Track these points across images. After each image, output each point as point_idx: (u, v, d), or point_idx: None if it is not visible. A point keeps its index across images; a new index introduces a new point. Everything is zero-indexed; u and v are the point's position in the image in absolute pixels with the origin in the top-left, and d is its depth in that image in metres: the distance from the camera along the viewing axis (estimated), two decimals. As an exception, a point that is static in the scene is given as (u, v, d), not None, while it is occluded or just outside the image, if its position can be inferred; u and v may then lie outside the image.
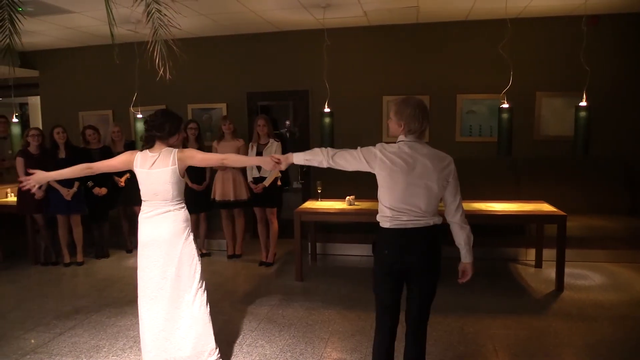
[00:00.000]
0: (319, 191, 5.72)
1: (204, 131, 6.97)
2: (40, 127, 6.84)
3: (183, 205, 3.41)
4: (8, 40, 3.58)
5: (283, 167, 3.20)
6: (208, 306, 3.48)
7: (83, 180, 6.08)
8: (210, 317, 3.46)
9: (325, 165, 2.95)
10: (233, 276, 5.71)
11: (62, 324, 4.34)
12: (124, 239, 6.73)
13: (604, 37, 6.07)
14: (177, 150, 3.29)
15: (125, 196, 6.48)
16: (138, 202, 6.67)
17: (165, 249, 3.37)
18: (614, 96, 6.16)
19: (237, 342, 3.93)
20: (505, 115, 4.93)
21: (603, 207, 6.09)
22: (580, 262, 5.75)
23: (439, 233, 2.84)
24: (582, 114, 4.59)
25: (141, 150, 3.37)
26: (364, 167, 2.79)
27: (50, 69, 7.81)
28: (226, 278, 5.61)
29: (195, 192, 6.20)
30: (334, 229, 6.17)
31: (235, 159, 3.49)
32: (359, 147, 2.82)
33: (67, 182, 5.94)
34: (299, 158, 3.07)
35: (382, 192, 2.76)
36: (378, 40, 6.71)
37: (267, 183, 5.71)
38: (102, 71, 7.44)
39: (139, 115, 5.38)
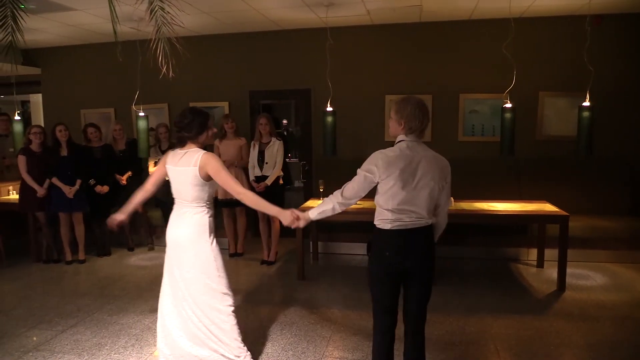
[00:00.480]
0: (321, 190, 5.71)
1: (206, 129, 6.95)
2: (42, 125, 6.85)
3: (204, 209, 3.31)
4: (10, 37, 3.57)
5: (302, 224, 3.13)
6: (228, 315, 3.30)
7: (85, 178, 6.10)
8: (230, 324, 3.30)
9: (338, 207, 2.91)
10: (234, 275, 5.70)
11: (64, 322, 4.34)
12: (126, 237, 6.73)
13: (608, 37, 6.05)
14: (204, 153, 3.21)
15: (127, 194, 6.47)
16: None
17: (179, 251, 3.28)
18: (617, 96, 6.14)
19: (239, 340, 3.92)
20: (508, 115, 4.92)
21: (605, 208, 6.08)
22: (582, 262, 5.75)
23: (433, 233, 2.86)
24: (585, 114, 4.57)
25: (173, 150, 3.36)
26: (370, 184, 2.79)
27: (53, 66, 7.81)
28: (228, 277, 5.58)
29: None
30: (335, 228, 6.16)
31: (252, 200, 3.22)
32: (358, 170, 2.83)
33: (69, 180, 5.95)
34: (314, 214, 3.02)
35: (384, 197, 2.75)
36: (381, 39, 6.70)
37: (269, 182, 5.70)
38: (104, 69, 7.44)
39: (141, 114, 5.38)
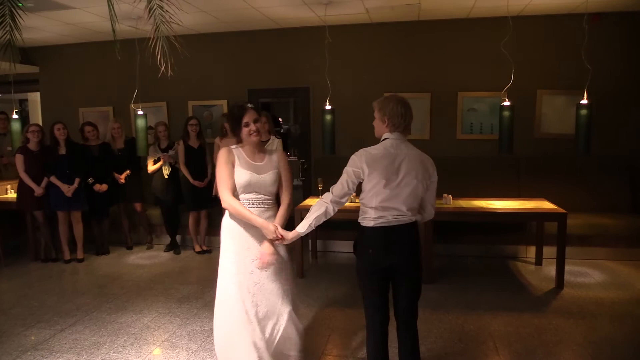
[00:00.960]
0: (320, 188, 5.71)
1: (204, 128, 6.96)
2: (40, 124, 6.84)
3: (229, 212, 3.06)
4: (9, 36, 3.56)
5: (286, 242, 3.02)
6: (228, 325, 3.16)
7: (83, 176, 6.09)
8: (232, 335, 3.11)
9: (332, 209, 2.83)
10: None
11: (63, 321, 4.34)
12: (125, 235, 6.73)
13: (606, 35, 6.06)
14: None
15: (125, 193, 6.48)
16: (138, 198, 6.73)
17: None
18: (615, 94, 6.15)
19: (238, 339, 3.93)
20: (506, 113, 4.92)
21: (604, 205, 6.09)
22: (581, 260, 5.76)
23: (418, 229, 2.87)
24: (584, 112, 4.58)
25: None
26: (357, 180, 2.80)
27: (51, 65, 7.79)
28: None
29: (197, 188, 6.21)
30: (334, 226, 6.15)
31: (234, 209, 2.96)
32: (344, 169, 2.83)
33: (67, 179, 5.94)
34: (304, 227, 2.90)
35: (367, 195, 2.78)
36: (379, 37, 6.70)
37: (267, 180, 5.69)
38: (103, 68, 7.42)
39: (140, 112, 5.37)
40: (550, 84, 6.35)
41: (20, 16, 3.64)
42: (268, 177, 3.01)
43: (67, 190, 5.90)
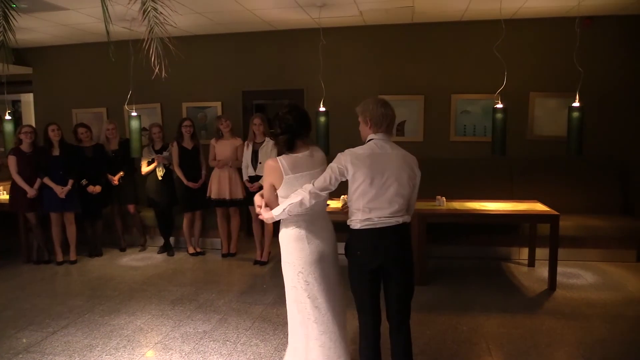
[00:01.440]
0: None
1: (199, 129, 6.94)
2: (33, 125, 6.81)
3: (293, 220, 2.96)
4: (2, 37, 3.56)
5: (262, 217, 2.97)
6: (301, 336, 3.06)
7: (77, 178, 6.07)
8: (303, 345, 3.05)
9: (308, 199, 2.78)
10: (227, 275, 5.70)
11: (55, 323, 4.32)
12: (118, 237, 6.71)
13: (598, 38, 6.11)
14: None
15: (119, 194, 6.46)
16: (131, 200, 6.71)
17: None
18: (607, 97, 6.20)
19: (232, 340, 3.93)
20: (499, 115, 4.94)
21: (596, 207, 6.13)
22: (573, 261, 5.79)
23: (409, 231, 2.88)
24: (575, 114, 4.61)
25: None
26: (341, 176, 2.79)
27: (44, 66, 7.77)
28: (220, 277, 5.61)
29: (191, 190, 6.21)
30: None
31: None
32: (330, 164, 2.84)
33: (61, 180, 5.92)
34: (277, 210, 2.88)
35: (353, 196, 2.79)
36: (373, 39, 6.72)
37: (262, 182, 5.70)
38: (96, 69, 7.40)
39: (134, 113, 5.35)
40: (542, 86, 6.39)
41: (13, 17, 3.63)
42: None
43: (61, 191, 5.88)
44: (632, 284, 5.10)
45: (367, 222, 2.76)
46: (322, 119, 5.57)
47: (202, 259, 6.32)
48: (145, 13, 3.71)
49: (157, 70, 3.76)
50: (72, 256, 6.18)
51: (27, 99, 8.55)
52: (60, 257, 6.13)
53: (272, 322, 4.26)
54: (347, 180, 2.82)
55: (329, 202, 2.90)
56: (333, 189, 2.85)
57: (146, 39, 3.76)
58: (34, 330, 4.19)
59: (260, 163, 5.74)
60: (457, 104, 6.62)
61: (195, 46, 6.98)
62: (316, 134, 5.70)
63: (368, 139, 2.88)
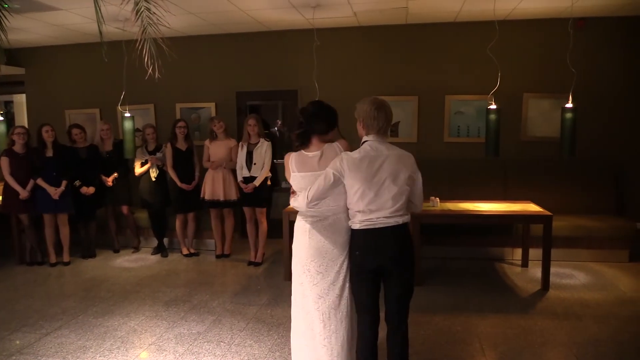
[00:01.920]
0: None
1: (192, 130, 6.93)
2: (26, 126, 6.77)
3: (302, 213, 3.05)
4: (-6, 37, 3.54)
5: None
6: (293, 338, 3.13)
7: (70, 179, 6.04)
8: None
9: (305, 210, 2.94)
10: (221, 276, 5.69)
11: (48, 325, 4.30)
12: (112, 238, 6.68)
13: (591, 39, 6.14)
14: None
15: (112, 196, 6.43)
16: (125, 201, 6.67)
17: None
18: (600, 98, 6.23)
19: (226, 341, 3.92)
20: (492, 116, 4.96)
21: (588, 207, 6.16)
22: (566, 262, 5.82)
23: (409, 231, 2.88)
24: (568, 115, 4.63)
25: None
26: (337, 183, 2.81)
27: (37, 66, 7.73)
28: (214, 278, 5.60)
29: (185, 191, 6.19)
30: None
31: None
32: (326, 169, 2.86)
33: (54, 181, 5.89)
34: (292, 203, 3.05)
35: (352, 198, 2.80)
36: (367, 40, 6.72)
37: (257, 183, 5.70)
38: (89, 69, 7.38)
39: (127, 114, 5.34)
40: (536, 87, 6.42)
41: (5, 17, 3.61)
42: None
43: (54, 192, 5.85)
44: (625, 284, 5.13)
45: (366, 222, 2.77)
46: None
47: (196, 260, 6.31)
48: (138, 13, 3.70)
49: (150, 70, 3.76)
50: (66, 257, 6.15)
51: (20, 100, 8.51)
52: (53, 259, 6.11)
53: (266, 323, 4.26)
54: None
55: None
56: (331, 194, 2.86)
57: (139, 39, 3.75)
58: (27, 331, 4.16)
59: (254, 164, 5.73)
60: (451, 105, 6.63)
61: (188, 47, 6.97)
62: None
63: (362, 140, 2.89)
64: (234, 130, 6.89)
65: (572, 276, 5.40)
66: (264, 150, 5.73)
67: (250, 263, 5.99)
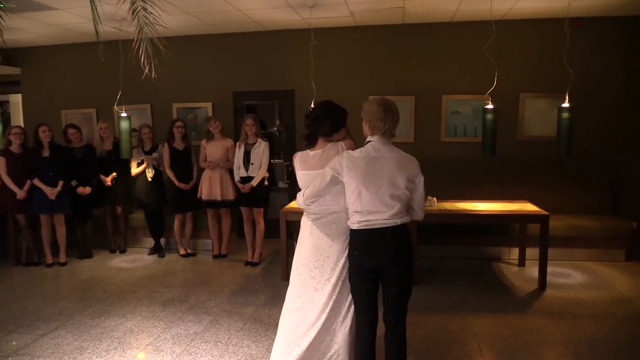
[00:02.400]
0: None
1: (189, 130, 6.91)
2: (22, 126, 6.74)
3: (306, 210, 3.09)
4: (-10, 37, 3.53)
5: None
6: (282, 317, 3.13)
7: (67, 179, 6.02)
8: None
9: (303, 206, 3.03)
10: (219, 276, 5.69)
11: (45, 325, 4.28)
12: (109, 238, 6.66)
13: (587, 39, 6.15)
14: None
15: (111, 196, 6.41)
16: (120, 202, 6.64)
17: None
18: (596, 98, 6.25)
19: (223, 342, 3.92)
20: (489, 116, 4.97)
21: (585, 207, 6.17)
22: (563, 261, 5.83)
23: (408, 231, 2.88)
24: (565, 115, 4.64)
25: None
26: (334, 181, 2.83)
27: (33, 66, 7.70)
28: (212, 278, 5.59)
29: (183, 191, 6.18)
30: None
31: None
32: (325, 168, 2.90)
33: (51, 181, 5.88)
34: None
35: (351, 198, 2.81)
36: (364, 40, 6.72)
37: (254, 183, 5.69)
38: (86, 69, 7.35)
39: (123, 114, 5.32)
40: (532, 87, 6.43)
41: (1, 17, 3.60)
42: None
43: (51, 192, 5.83)
44: (621, 284, 5.14)
45: (364, 223, 2.77)
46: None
47: (193, 260, 6.30)
48: (135, 13, 3.70)
49: (147, 70, 3.75)
50: (62, 258, 6.13)
51: (16, 100, 8.49)
52: (49, 259, 6.09)
53: (263, 323, 4.25)
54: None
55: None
56: (327, 193, 2.88)
57: (136, 39, 3.74)
58: (23, 332, 4.15)
59: (252, 164, 5.72)
60: (448, 105, 6.64)
61: (185, 46, 6.95)
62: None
63: (366, 140, 2.88)
64: (231, 130, 6.89)
65: (569, 275, 5.41)
66: (261, 150, 5.72)
67: (247, 263, 5.99)
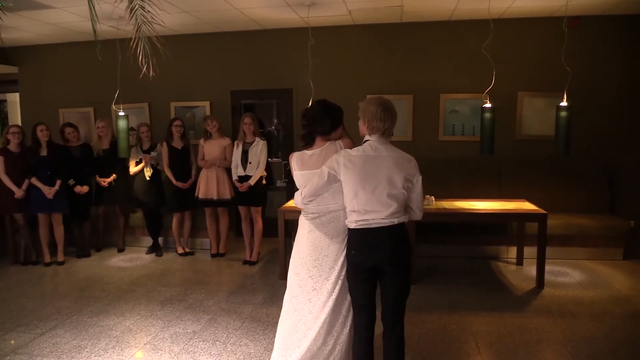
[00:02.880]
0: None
1: (187, 129, 6.90)
2: (20, 125, 6.73)
3: (304, 209, 3.08)
4: (-13, 35, 3.52)
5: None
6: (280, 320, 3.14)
7: (64, 178, 6.01)
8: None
9: (301, 205, 3.01)
10: (217, 275, 5.69)
11: (43, 324, 4.28)
12: (97, 237, 6.67)
13: (585, 38, 6.15)
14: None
15: (109, 195, 6.40)
16: (120, 201, 6.62)
17: None
18: (594, 96, 6.25)
19: (222, 340, 3.92)
20: (487, 115, 4.97)
21: (583, 206, 6.19)
22: (561, 260, 5.84)
23: (406, 231, 2.86)
24: (563, 114, 4.65)
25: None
26: (332, 180, 2.83)
27: (30, 65, 7.68)
28: (210, 277, 5.58)
29: (181, 190, 6.18)
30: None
31: None
32: (322, 167, 2.89)
33: (48, 181, 5.87)
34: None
35: (348, 197, 2.80)
36: (362, 39, 6.72)
37: (252, 182, 5.69)
38: (83, 68, 7.34)
39: (121, 113, 5.32)
40: (530, 86, 6.43)
41: (-1, 16, 3.59)
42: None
43: (49, 192, 5.82)
44: (619, 282, 5.15)
45: (362, 222, 2.76)
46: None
47: (191, 259, 6.30)
48: (133, 12, 3.69)
49: (144, 69, 3.74)
50: (60, 257, 6.12)
51: (13, 99, 8.47)
52: (47, 258, 6.08)
53: (261, 322, 4.25)
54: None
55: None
56: (325, 192, 2.88)
57: (134, 37, 3.73)
58: (21, 331, 4.14)
59: (250, 163, 5.72)
60: (446, 104, 6.64)
61: (183, 45, 6.94)
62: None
63: (364, 140, 2.87)
64: (229, 129, 6.88)
65: (567, 274, 5.42)
66: (259, 149, 5.72)
67: (245, 262, 5.99)
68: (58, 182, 5.90)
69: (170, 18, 5.84)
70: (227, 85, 7.11)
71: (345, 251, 2.91)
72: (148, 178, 6.23)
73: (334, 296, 2.91)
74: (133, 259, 6.30)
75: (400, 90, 6.61)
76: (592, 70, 6.23)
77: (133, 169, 6.28)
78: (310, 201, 2.94)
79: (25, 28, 6.41)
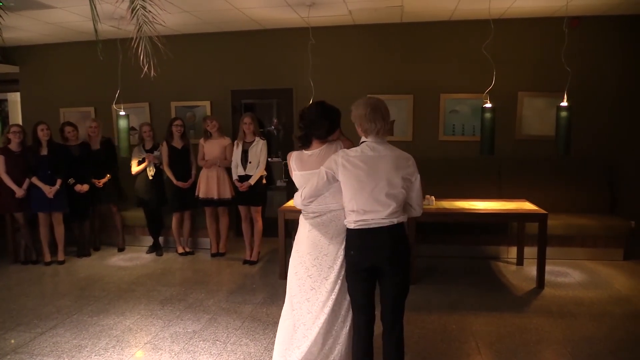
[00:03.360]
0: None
1: (187, 129, 6.91)
2: (21, 124, 6.74)
3: (304, 208, 3.07)
4: (-12, 35, 3.53)
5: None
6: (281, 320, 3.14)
7: (64, 177, 6.02)
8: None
9: (301, 207, 3.01)
10: (217, 274, 5.69)
11: (43, 324, 4.28)
12: (94, 237, 6.68)
13: (585, 38, 6.15)
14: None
15: (104, 195, 6.40)
16: (114, 200, 6.61)
17: None
18: (595, 97, 6.26)
19: (222, 340, 3.92)
20: (487, 115, 4.98)
21: (583, 206, 6.19)
22: (561, 260, 5.84)
23: (405, 230, 2.86)
24: (563, 114, 4.65)
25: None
26: (331, 180, 2.82)
27: (31, 64, 7.69)
28: (210, 276, 5.59)
29: (181, 189, 6.18)
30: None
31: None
32: (320, 167, 2.89)
33: (49, 180, 5.87)
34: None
35: (346, 197, 2.80)
36: (362, 39, 6.73)
37: (252, 181, 5.69)
38: (84, 68, 7.35)
39: (122, 113, 5.32)
40: (531, 86, 6.43)
41: (0, 15, 3.60)
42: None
43: (49, 191, 5.83)
44: (619, 282, 5.15)
45: (361, 222, 2.76)
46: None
47: (191, 258, 6.30)
48: (134, 11, 3.70)
49: (145, 69, 3.75)
50: (60, 256, 6.13)
51: (14, 98, 8.48)
52: (48, 258, 6.08)
53: (262, 322, 4.26)
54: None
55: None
56: (325, 192, 2.88)
57: (135, 37, 3.74)
58: (22, 331, 4.15)
59: (250, 162, 5.72)
60: (446, 104, 6.64)
61: (184, 45, 6.95)
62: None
63: (361, 140, 2.87)
64: (229, 128, 6.88)
65: (567, 274, 5.42)
66: (259, 149, 5.72)
67: (245, 262, 5.99)
68: (58, 182, 5.90)
69: (171, 18, 5.84)
70: (227, 84, 7.12)
71: (343, 251, 2.91)
72: (151, 177, 6.23)
73: (333, 296, 2.91)
74: (133, 259, 6.31)
75: (400, 90, 6.61)
76: (592, 71, 6.24)
77: (135, 168, 6.27)
78: (311, 202, 2.94)
79: (26, 28, 6.41)
